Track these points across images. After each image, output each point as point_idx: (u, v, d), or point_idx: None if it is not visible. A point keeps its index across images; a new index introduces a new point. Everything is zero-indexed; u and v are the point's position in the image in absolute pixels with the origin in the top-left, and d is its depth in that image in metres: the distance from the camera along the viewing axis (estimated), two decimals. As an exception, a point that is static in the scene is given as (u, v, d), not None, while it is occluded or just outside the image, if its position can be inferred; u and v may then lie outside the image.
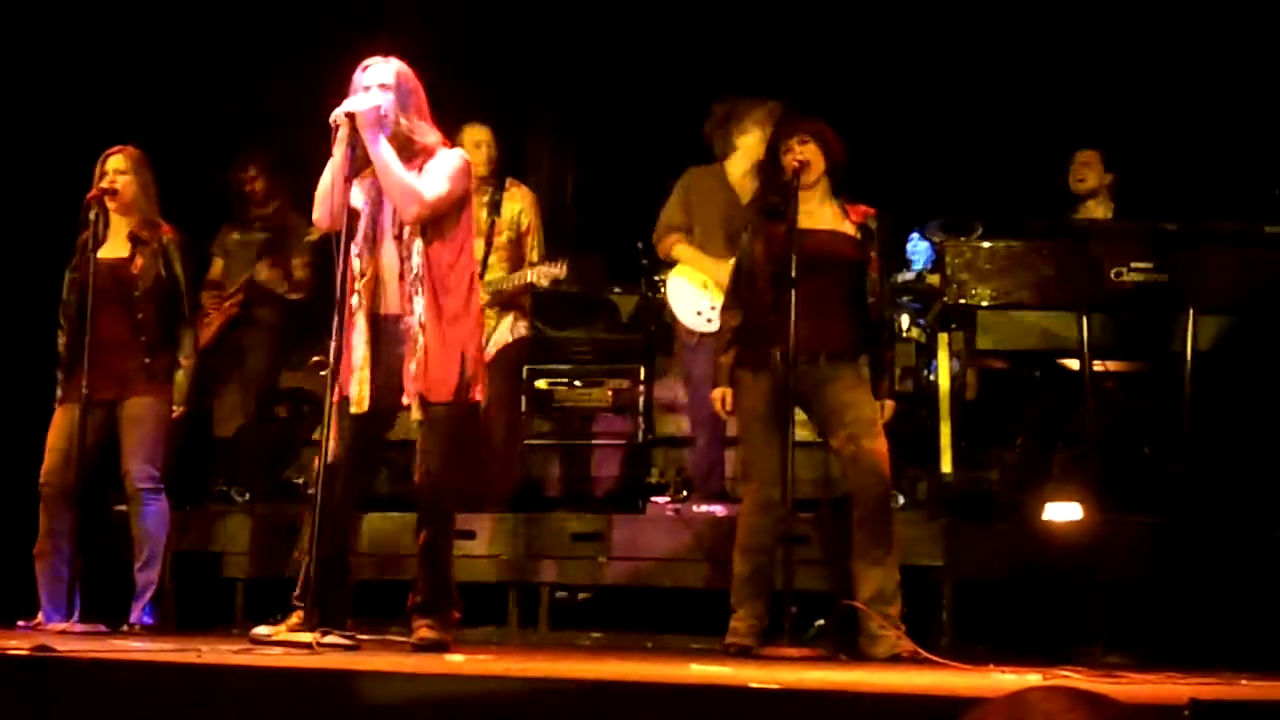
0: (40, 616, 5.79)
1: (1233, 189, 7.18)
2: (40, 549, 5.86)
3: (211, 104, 8.25)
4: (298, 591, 4.94)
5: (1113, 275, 6.07)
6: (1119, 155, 7.29)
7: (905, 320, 7.35)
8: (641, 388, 7.50)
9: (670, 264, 6.92)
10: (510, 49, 8.78)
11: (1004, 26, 8.27)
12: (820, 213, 5.60)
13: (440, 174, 5.02)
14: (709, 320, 6.63)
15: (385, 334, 5.03)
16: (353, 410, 4.98)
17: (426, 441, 5.03)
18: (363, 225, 5.04)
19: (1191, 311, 6.02)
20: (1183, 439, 6.05)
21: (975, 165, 8.18)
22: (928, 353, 7.06)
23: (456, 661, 4.47)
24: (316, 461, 4.97)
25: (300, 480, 7.34)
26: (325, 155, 4.99)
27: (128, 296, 5.93)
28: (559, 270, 6.93)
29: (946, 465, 6.70)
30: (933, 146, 8.28)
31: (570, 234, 8.65)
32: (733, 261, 5.91)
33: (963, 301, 6.22)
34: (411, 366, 4.95)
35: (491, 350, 6.80)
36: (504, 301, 7.07)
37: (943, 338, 6.73)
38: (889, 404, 5.57)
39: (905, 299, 7.42)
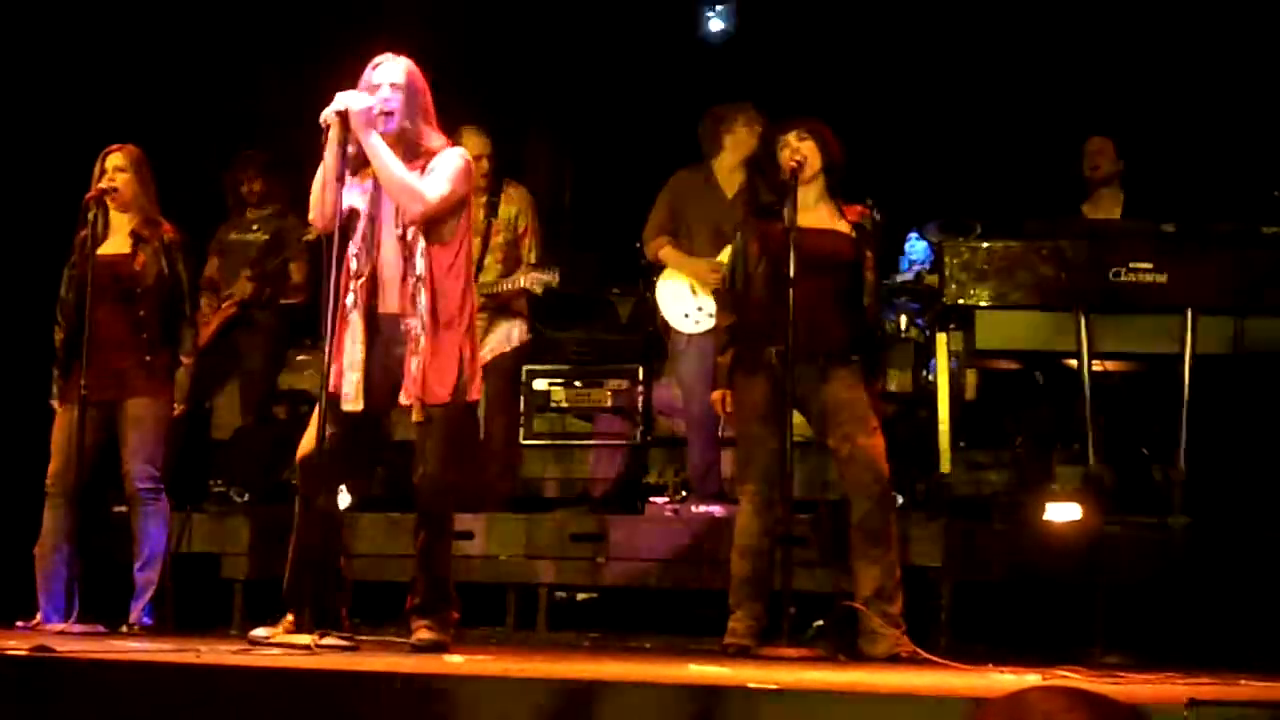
0: (39, 617, 5.78)
1: (1232, 189, 7.18)
2: (40, 549, 5.86)
3: (211, 104, 8.25)
4: (285, 591, 4.94)
5: (1111, 276, 6.08)
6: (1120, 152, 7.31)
7: (904, 320, 7.36)
8: (640, 388, 7.50)
9: (661, 267, 6.95)
10: (509, 49, 8.78)
11: (1002, 27, 8.28)
12: (816, 212, 5.59)
13: (443, 175, 5.02)
14: (696, 322, 6.70)
15: (382, 334, 5.02)
16: (346, 408, 4.98)
17: (424, 442, 5.02)
18: (362, 225, 5.03)
19: (1190, 311, 6.03)
20: (1182, 440, 6.05)
21: (974, 165, 8.19)
22: (926, 353, 7.05)
23: (455, 662, 4.47)
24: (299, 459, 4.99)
25: (298, 481, 7.32)
26: (322, 156, 4.99)
27: (129, 294, 5.93)
28: (551, 277, 6.96)
29: (946, 465, 6.69)
30: (931, 147, 8.29)
31: (568, 235, 8.65)
32: (720, 259, 5.91)
33: (961, 302, 6.22)
34: (413, 367, 4.95)
35: (488, 356, 6.81)
36: (498, 304, 7.07)
37: (941, 338, 6.73)
38: (882, 405, 5.56)
39: (903, 299, 7.43)
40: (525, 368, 7.44)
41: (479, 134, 7.05)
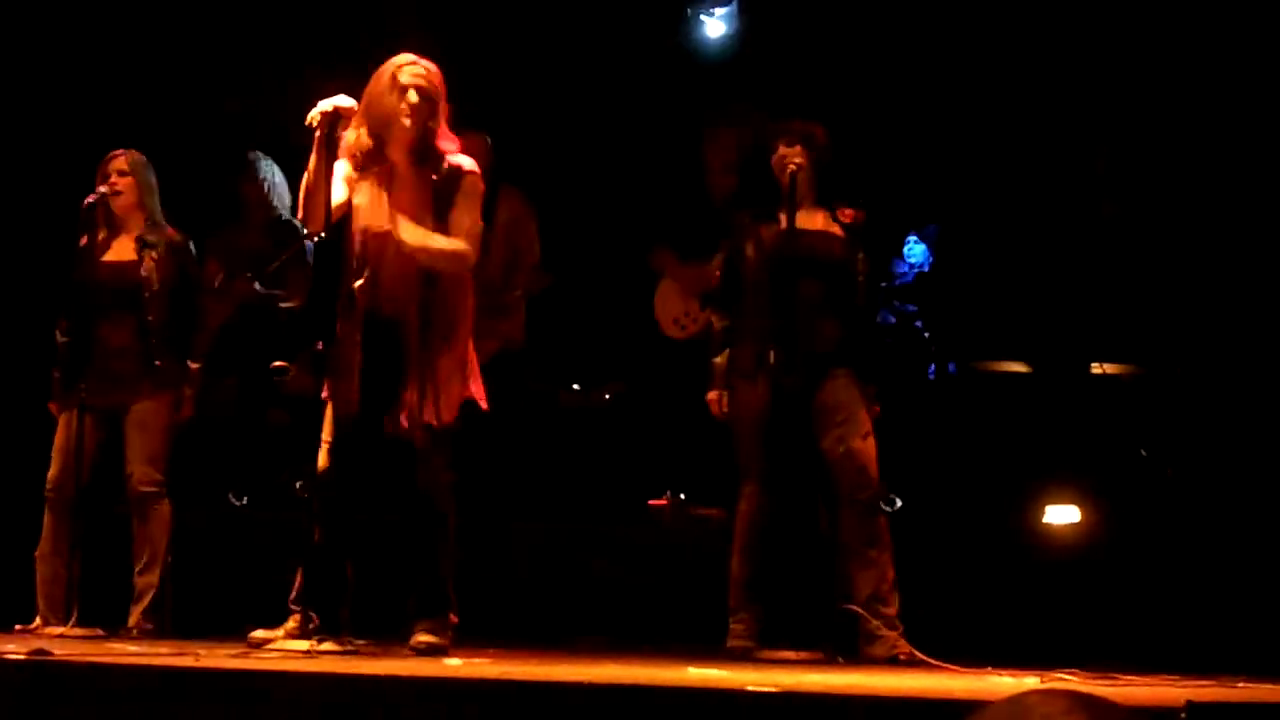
0: (38, 620, 5.78)
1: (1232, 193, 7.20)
2: (40, 553, 5.86)
3: (211, 104, 8.25)
4: (294, 595, 4.94)
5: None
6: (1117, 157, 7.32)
7: (902, 321, 7.37)
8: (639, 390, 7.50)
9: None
10: (508, 50, 8.77)
11: (1001, 27, 8.27)
12: (808, 213, 5.59)
13: (471, 211, 5.01)
14: (683, 328, 6.74)
15: (381, 335, 5.01)
16: (347, 412, 4.97)
17: (427, 445, 5.01)
18: (359, 223, 5.02)
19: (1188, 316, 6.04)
20: (1181, 441, 6.07)
21: (974, 166, 8.18)
22: (926, 354, 7.06)
23: (454, 665, 4.46)
24: (316, 463, 4.98)
25: (298, 484, 7.32)
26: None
27: (136, 300, 5.92)
28: (545, 282, 6.99)
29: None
30: (929, 147, 8.28)
31: (567, 235, 8.63)
32: (711, 266, 5.93)
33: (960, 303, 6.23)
34: (415, 387, 4.94)
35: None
36: (494, 306, 7.08)
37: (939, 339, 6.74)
38: (874, 407, 5.58)
39: (901, 301, 7.43)
40: (523, 370, 7.43)
41: (479, 137, 7.06)
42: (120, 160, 6.00)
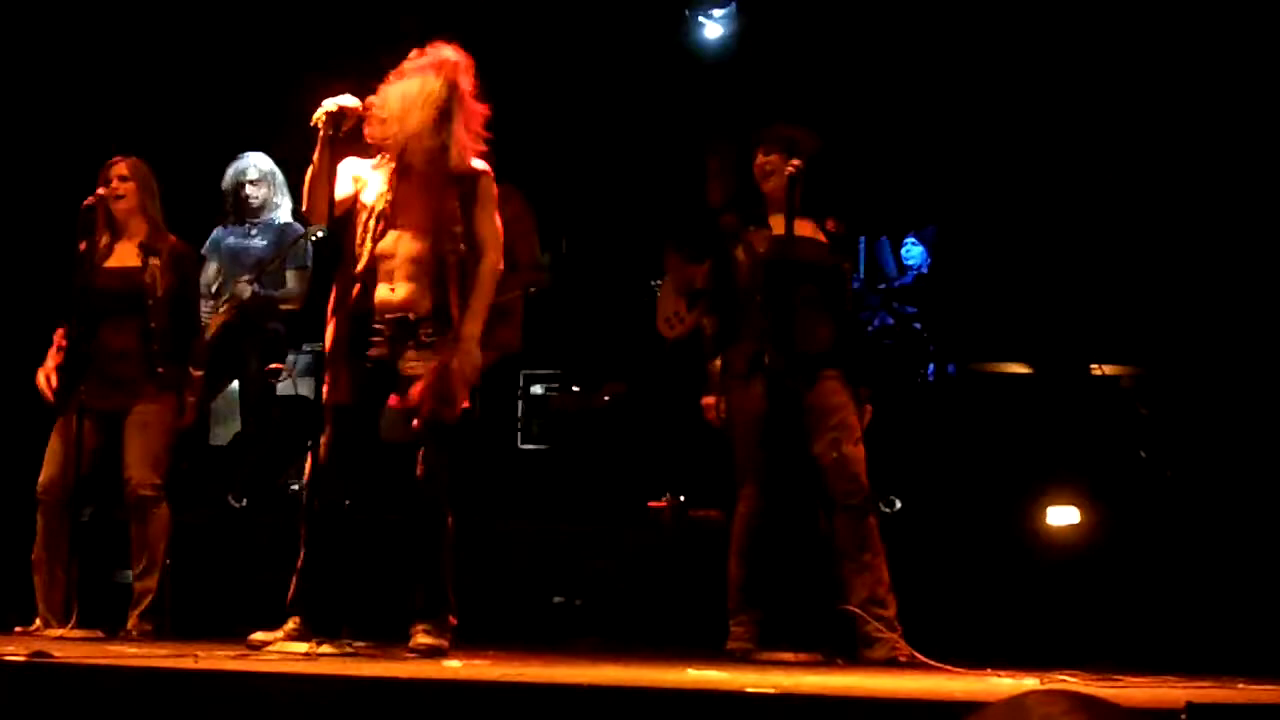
0: (38, 623, 5.78)
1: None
2: (38, 556, 5.85)
3: (211, 104, 8.25)
4: (291, 597, 4.94)
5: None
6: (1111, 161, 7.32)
7: (901, 323, 7.37)
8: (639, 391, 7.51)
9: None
10: (508, 50, 8.77)
11: (1000, 28, 8.28)
12: (797, 221, 5.59)
13: (490, 216, 5.03)
14: (672, 327, 6.79)
15: (380, 333, 5.01)
16: (344, 407, 4.97)
17: (427, 445, 5.01)
18: (365, 219, 5.03)
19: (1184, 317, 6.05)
20: (1180, 441, 6.07)
21: (972, 166, 8.19)
22: (926, 355, 7.06)
23: (454, 667, 4.46)
24: (307, 464, 4.98)
25: (297, 486, 7.33)
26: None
27: (139, 305, 5.91)
28: (543, 283, 7.00)
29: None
30: (928, 148, 8.29)
31: (566, 236, 8.64)
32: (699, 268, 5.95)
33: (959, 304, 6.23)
34: (420, 381, 4.94)
35: None
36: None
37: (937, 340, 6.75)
38: (867, 409, 5.58)
39: (900, 303, 7.44)
40: (522, 372, 7.45)
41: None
42: (122, 166, 6.00)
